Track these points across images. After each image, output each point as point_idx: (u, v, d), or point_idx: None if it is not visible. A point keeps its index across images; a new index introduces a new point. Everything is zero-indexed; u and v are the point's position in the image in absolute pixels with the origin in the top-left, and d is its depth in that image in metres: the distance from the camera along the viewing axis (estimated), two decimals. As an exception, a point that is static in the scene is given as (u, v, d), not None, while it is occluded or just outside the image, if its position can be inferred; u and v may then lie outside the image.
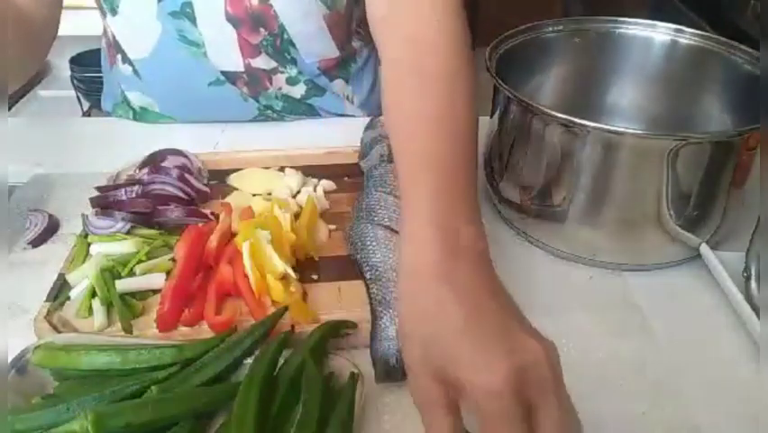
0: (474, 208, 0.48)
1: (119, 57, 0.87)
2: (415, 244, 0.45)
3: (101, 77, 0.97)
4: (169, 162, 0.72)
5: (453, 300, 0.40)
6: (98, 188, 0.69)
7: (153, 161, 0.72)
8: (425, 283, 0.42)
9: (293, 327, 0.52)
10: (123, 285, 0.58)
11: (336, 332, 0.53)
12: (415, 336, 0.41)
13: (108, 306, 0.56)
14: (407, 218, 0.47)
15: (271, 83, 0.86)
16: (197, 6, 0.79)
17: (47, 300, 0.57)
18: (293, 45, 0.84)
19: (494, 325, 0.39)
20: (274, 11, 0.80)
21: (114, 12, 0.82)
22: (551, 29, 0.75)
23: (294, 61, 0.85)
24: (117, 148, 0.82)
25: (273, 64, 0.85)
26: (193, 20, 0.80)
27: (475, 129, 0.55)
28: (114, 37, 0.86)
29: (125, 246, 0.62)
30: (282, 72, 0.86)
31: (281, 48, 0.83)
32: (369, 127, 0.76)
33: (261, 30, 0.81)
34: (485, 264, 0.44)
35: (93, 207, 0.67)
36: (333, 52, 0.87)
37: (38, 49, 0.76)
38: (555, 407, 0.37)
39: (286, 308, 0.53)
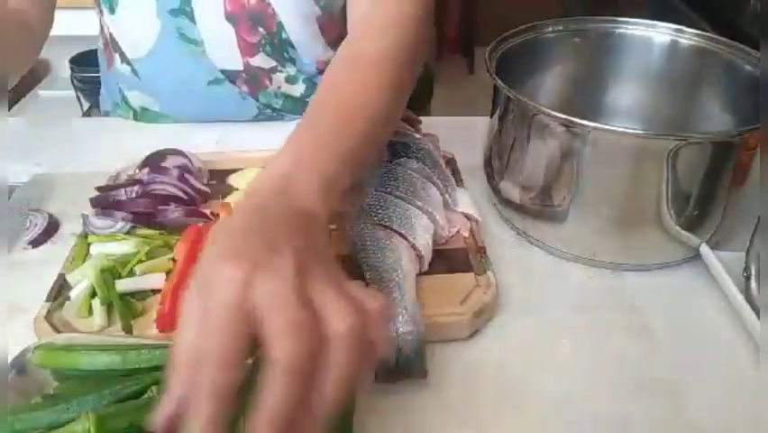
0: (332, 180, 0.47)
1: (117, 57, 0.87)
2: (256, 180, 0.46)
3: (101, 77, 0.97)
4: (169, 162, 0.72)
5: (245, 217, 0.41)
6: (98, 188, 0.69)
7: (153, 161, 0.72)
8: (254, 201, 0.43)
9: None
10: (123, 285, 0.58)
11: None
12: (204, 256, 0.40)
13: (108, 306, 0.56)
14: (271, 160, 0.48)
15: (271, 82, 0.86)
16: (197, 4, 0.79)
17: (47, 300, 0.57)
18: (291, 45, 0.84)
19: (259, 236, 0.39)
20: (272, 9, 0.80)
21: (112, 10, 0.82)
22: (551, 29, 0.75)
23: (293, 61, 0.85)
24: (117, 148, 0.82)
25: (272, 63, 0.85)
26: (192, 18, 0.80)
27: (381, 113, 0.57)
28: (111, 36, 0.86)
29: (125, 246, 0.62)
30: (281, 71, 0.86)
31: (280, 47, 0.83)
32: (369, 127, 0.76)
33: (260, 29, 0.81)
34: (300, 224, 0.43)
35: (93, 207, 0.67)
36: (324, 54, 0.87)
37: (31, 48, 0.76)
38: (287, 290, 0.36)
39: None
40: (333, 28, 0.86)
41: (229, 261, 0.36)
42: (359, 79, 0.58)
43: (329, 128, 0.52)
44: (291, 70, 0.86)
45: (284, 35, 0.82)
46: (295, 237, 0.39)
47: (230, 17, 0.80)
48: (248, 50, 0.83)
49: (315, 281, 0.37)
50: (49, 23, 0.79)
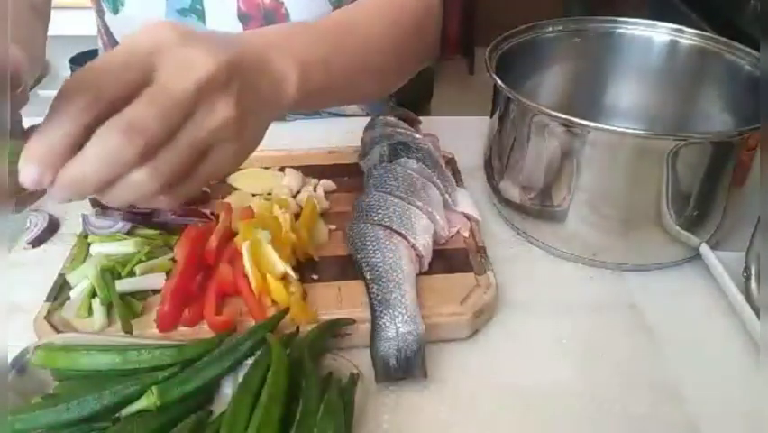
0: (306, 62, 0.50)
1: None
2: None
3: (101, 77, 0.97)
4: (169, 162, 0.71)
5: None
6: (98, 188, 0.69)
7: (153, 161, 0.72)
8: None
9: (297, 328, 0.52)
10: (123, 285, 0.58)
11: (333, 331, 0.53)
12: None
13: (108, 306, 0.56)
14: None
15: None
16: (208, 4, 0.79)
17: (47, 300, 0.57)
18: None
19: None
20: (285, 9, 0.80)
21: (115, 10, 0.82)
22: (551, 29, 0.75)
23: None
24: (117, 148, 0.82)
25: None
26: (203, 17, 0.80)
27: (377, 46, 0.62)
28: (112, 37, 0.85)
29: (125, 246, 0.62)
30: None
31: None
32: (369, 127, 0.76)
33: None
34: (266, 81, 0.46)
35: (93, 207, 0.67)
36: None
37: (45, 42, 0.76)
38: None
39: (287, 310, 0.53)
40: None
41: (170, 26, 0.39)
42: (365, 10, 0.63)
43: (320, 31, 0.55)
44: None
45: None
46: (241, 67, 0.41)
47: (242, 16, 0.80)
48: None
49: (214, 101, 0.39)
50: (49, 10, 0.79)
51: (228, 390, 0.49)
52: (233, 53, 0.41)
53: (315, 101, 0.53)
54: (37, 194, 0.38)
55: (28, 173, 0.35)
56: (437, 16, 0.72)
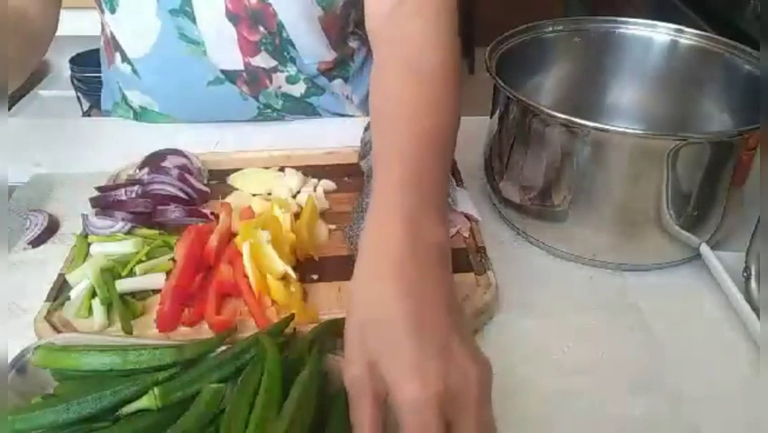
0: (442, 207, 0.49)
1: (118, 56, 0.87)
2: (380, 231, 0.46)
3: (101, 76, 0.97)
4: (169, 162, 0.72)
5: (404, 298, 0.41)
6: (98, 188, 0.69)
7: (153, 161, 0.72)
8: (382, 276, 0.43)
9: (295, 329, 0.52)
10: (123, 285, 0.58)
11: (332, 331, 0.53)
12: (359, 322, 0.42)
13: (108, 306, 0.56)
14: (377, 204, 0.48)
15: (271, 82, 0.86)
16: (197, 4, 0.79)
17: (47, 300, 0.57)
18: (292, 45, 0.84)
19: (436, 334, 0.40)
20: (273, 9, 0.80)
21: (112, 9, 0.82)
22: (551, 29, 0.75)
23: (293, 60, 0.85)
24: (117, 148, 0.82)
25: (273, 63, 0.85)
26: (192, 18, 0.80)
27: (455, 127, 0.56)
28: (112, 35, 0.86)
29: (125, 246, 0.62)
30: (282, 71, 0.86)
31: (280, 47, 0.83)
32: (369, 127, 0.76)
33: (260, 28, 0.81)
34: (443, 266, 0.45)
35: (93, 207, 0.67)
36: (328, 54, 0.87)
37: (37, 47, 0.76)
38: (473, 426, 0.38)
39: (292, 317, 0.53)
40: (335, 28, 0.86)
41: (414, 380, 0.38)
42: (429, 94, 0.56)
43: (419, 153, 0.51)
44: (292, 70, 0.86)
45: (285, 35, 0.82)
46: (450, 325, 0.41)
47: (231, 17, 0.80)
48: (249, 49, 0.83)
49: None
50: (53, 16, 0.79)
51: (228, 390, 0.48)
52: (436, 372, 0.39)
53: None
54: None
55: None
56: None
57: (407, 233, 0.45)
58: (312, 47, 0.85)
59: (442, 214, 0.48)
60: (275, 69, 0.85)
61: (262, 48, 0.83)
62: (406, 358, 0.39)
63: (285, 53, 0.84)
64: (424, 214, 0.46)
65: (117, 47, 0.86)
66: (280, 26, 0.81)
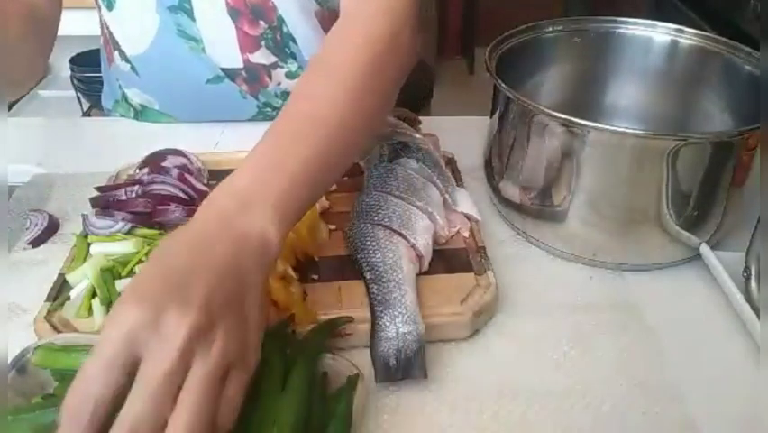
0: (281, 197, 0.48)
1: (117, 54, 0.87)
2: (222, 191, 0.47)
3: (101, 76, 0.97)
4: (169, 162, 0.72)
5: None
6: (98, 188, 0.69)
7: (153, 161, 0.72)
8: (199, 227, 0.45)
9: (294, 331, 0.52)
10: (123, 285, 0.58)
11: (332, 330, 0.53)
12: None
13: (108, 306, 0.56)
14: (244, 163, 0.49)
15: (270, 78, 0.86)
16: (196, 1, 0.79)
17: (47, 300, 0.57)
18: (293, 39, 0.83)
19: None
20: (272, 2, 0.80)
21: (110, 6, 0.82)
22: (551, 29, 0.75)
23: (294, 56, 0.85)
24: (117, 148, 0.82)
25: (273, 59, 0.84)
26: (191, 15, 0.80)
27: (352, 125, 0.55)
28: (111, 33, 0.86)
29: (125, 246, 0.62)
30: (282, 67, 0.85)
31: (282, 42, 0.83)
32: (369, 127, 0.76)
33: (261, 22, 0.81)
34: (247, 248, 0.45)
35: (93, 207, 0.67)
36: None
37: (47, 44, 0.76)
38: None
39: (293, 317, 0.53)
40: (333, 23, 0.86)
41: (134, 302, 0.39)
42: (330, 85, 0.56)
43: (293, 144, 0.51)
44: (293, 66, 0.86)
45: (285, 29, 0.82)
46: (217, 288, 0.41)
47: (231, 12, 0.80)
48: (249, 45, 0.82)
49: (204, 347, 0.39)
50: (58, 15, 0.79)
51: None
52: (205, 289, 0.40)
53: (299, 218, 0.51)
54: None
55: None
56: (411, 25, 0.64)
57: (228, 208, 0.46)
58: (312, 42, 0.85)
59: (284, 212, 0.47)
60: (275, 66, 0.85)
61: (263, 43, 0.83)
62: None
63: (286, 49, 0.84)
64: (259, 205, 0.46)
65: (116, 45, 0.86)
66: (281, 20, 0.81)
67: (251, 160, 0.50)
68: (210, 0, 0.79)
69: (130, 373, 0.37)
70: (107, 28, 0.86)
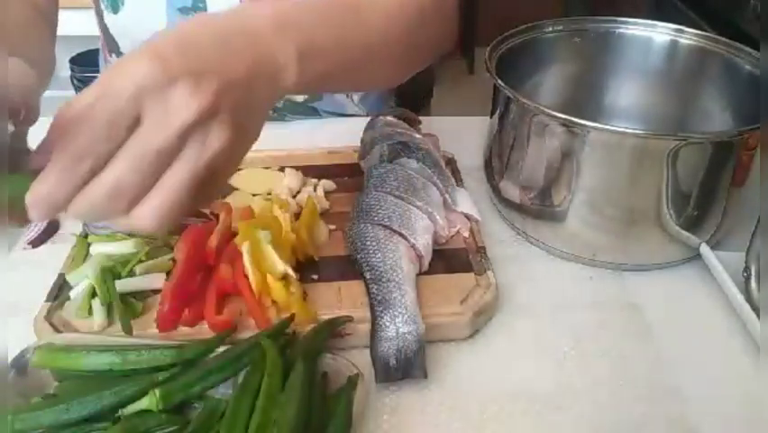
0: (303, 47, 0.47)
1: (114, 58, 0.87)
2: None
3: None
4: (169, 162, 0.71)
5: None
6: (98, 188, 0.69)
7: (153, 161, 0.72)
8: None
9: (294, 332, 0.52)
10: (123, 285, 0.58)
11: (332, 330, 0.53)
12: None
13: (108, 306, 0.56)
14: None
15: None
16: (211, 3, 0.78)
17: (47, 300, 0.57)
18: None
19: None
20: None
21: (115, 9, 0.81)
22: (551, 29, 0.75)
23: None
24: (117, 148, 0.82)
25: None
26: None
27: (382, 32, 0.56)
28: (111, 37, 0.85)
29: (125, 246, 0.62)
30: None
31: None
32: (369, 127, 0.76)
33: None
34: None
35: (93, 206, 0.67)
36: None
37: (51, 31, 0.76)
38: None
39: (292, 318, 0.53)
40: None
41: (148, 58, 0.37)
42: (376, 11, 0.56)
43: (326, 12, 0.51)
44: None
45: None
46: (228, 90, 0.39)
47: None
48: None
49: (201, 135, 0.38)
50: (55, 11, 0.78)
51: (228, 390, 0.49)
52: (221, 79, 0.39)
53: (315, 88, 0.50)
54: None
55: (34, 216, 0.37)
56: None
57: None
58: None
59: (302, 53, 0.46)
60: None
61: None
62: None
63: None
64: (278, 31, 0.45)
65: (115, 49, 0.85)
66: None
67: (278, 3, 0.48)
68: (227, 2, 0.78)
69: (122, 138, 0.36)
70: (109, 33, 0.85)
